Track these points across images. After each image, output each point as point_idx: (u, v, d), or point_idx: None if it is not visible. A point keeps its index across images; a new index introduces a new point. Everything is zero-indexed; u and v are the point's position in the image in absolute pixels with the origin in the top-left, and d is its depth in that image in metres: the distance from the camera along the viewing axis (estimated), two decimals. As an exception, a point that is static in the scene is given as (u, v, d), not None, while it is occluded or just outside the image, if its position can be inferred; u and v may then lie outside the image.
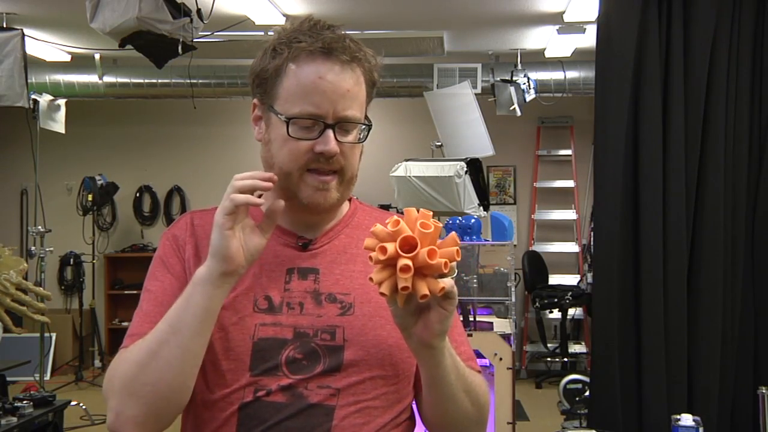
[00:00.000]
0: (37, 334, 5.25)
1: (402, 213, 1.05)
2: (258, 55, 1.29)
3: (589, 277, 6.25)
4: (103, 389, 1.19)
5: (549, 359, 6.74)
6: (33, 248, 5.68)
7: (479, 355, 3.25)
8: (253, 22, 5.03)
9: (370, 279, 1.02)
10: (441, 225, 1.04)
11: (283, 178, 1.23)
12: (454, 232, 1.08)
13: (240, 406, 1.18)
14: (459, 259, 1.02)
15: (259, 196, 1.15)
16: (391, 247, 1.00)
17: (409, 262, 0.99)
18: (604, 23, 2.94)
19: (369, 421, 1.19)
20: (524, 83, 5.79)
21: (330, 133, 1.20)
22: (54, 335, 6.53)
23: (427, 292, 1.00)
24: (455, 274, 1.06)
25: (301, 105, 1.20)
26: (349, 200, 1.36)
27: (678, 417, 2.22)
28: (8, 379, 3.53)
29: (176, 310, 1.14)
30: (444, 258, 1.00)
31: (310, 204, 1.23)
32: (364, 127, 1.26)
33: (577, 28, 5.34)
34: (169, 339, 1.13)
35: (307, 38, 1.22)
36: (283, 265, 1.26)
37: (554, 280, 6.86)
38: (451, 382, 1.18)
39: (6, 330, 2.70)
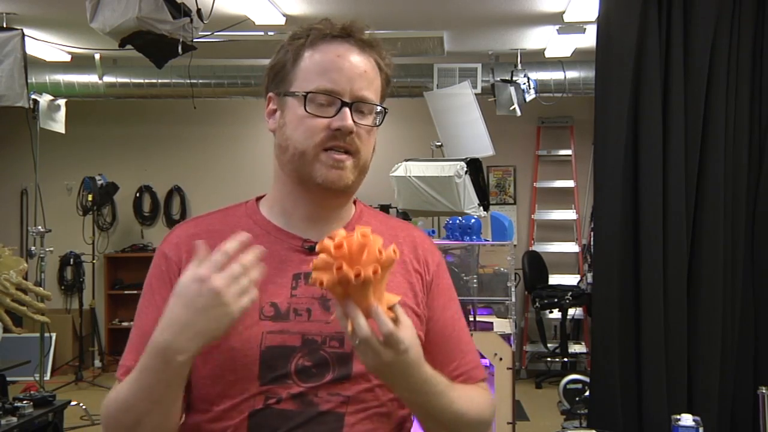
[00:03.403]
0: (37, 334, 5.25)
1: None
2: (274, 54, 1.29)
3: (589, 277, 6.25)
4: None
5: (549, 359, 6.73)
6: (33, 248, 5.68)
7: (479, 356, 3.25)
8: (253, 22, 5.03)
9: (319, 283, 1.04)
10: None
11: (298, 160, 1.22)
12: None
13: (250, 414, 1.17)
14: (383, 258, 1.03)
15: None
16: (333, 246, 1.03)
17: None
18: (604, 23, 2.94)
19: (378, 427, 1.19)
20: (524, 83, 5.79)
21: (347, 110, 1.20)
22: (54, 335, 6.52)
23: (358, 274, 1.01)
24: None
25: (318, 81, 1.21)
26: (354, 203, 1.35)
27: (678, 417, 2.22)
28: (8, 379, 3.54)
29: None
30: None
31: (325, 182, 1.21)
32: (379, 111, 1.25)
33: (577, 28, 5.34)
34: None
35: (324, 25, 1.24)
36: (289, 271, 1.23)
37: (554, 280, 6.86)
38: (420, 413, 1.19)
39: (6, 330, 2.70)
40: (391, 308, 1.06)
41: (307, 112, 1.20)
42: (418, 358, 1.10)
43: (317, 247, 1.04)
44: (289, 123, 1.23)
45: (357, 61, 1.22)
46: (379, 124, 1.26)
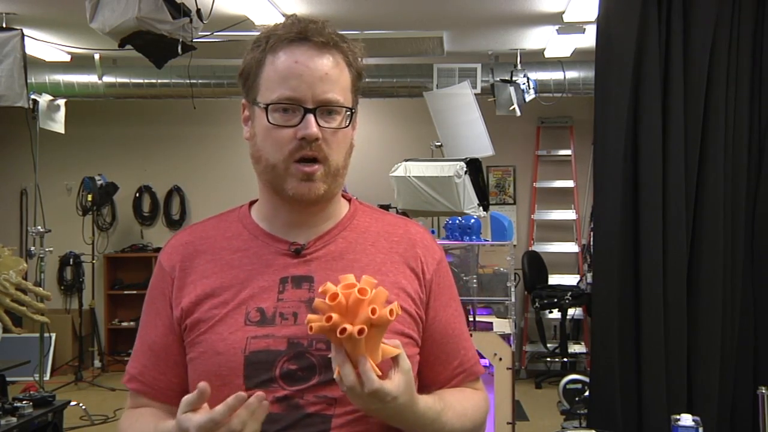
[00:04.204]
0: (37, 334, 5.25)
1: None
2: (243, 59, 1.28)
3: (589, 277, 6.25)
4: None
5: (549, 359, 6.74)
6: (33, 248, 5.69)
7: (479, 356, 3.24)
8: (253, 22, 5.03)
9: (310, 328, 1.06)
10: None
11: (270, 172, 1.22)
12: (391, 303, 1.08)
13: None
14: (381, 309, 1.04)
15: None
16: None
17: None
18: (604, 23, 2.94)
19: (366, 429, 1.18)
20: (524, 83, 5.79)
21: (310, 117, 1.18)
22: (54, 335, 6.53)
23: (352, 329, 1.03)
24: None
25: (279, 91, 1.19)
26: (349, 201, 1.34)
27: (678, 417, 2.22)
28: (8, 379, 3.54)
29: None
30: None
31: (296, 195, 1.20)
32: (348, 112, 1.22)
33: (577, 28, 5.34)
34: None
35: (284, 29, 1.21)
36: (276, 275, 1.23)
37: (554, 280, 6.87)
38: None
39: (6, 330, 2.69)
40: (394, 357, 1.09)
41: (270, 123, 1.19)
42: (409, 400, 1.11)
43: (320, 289, 1.06)
44: (259, 133, 1.23)
45: (317, 63, 1.19)
46: (348, 125, 1.23)
